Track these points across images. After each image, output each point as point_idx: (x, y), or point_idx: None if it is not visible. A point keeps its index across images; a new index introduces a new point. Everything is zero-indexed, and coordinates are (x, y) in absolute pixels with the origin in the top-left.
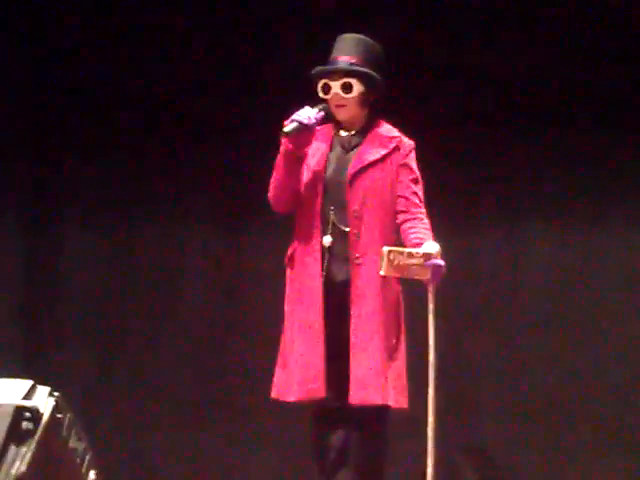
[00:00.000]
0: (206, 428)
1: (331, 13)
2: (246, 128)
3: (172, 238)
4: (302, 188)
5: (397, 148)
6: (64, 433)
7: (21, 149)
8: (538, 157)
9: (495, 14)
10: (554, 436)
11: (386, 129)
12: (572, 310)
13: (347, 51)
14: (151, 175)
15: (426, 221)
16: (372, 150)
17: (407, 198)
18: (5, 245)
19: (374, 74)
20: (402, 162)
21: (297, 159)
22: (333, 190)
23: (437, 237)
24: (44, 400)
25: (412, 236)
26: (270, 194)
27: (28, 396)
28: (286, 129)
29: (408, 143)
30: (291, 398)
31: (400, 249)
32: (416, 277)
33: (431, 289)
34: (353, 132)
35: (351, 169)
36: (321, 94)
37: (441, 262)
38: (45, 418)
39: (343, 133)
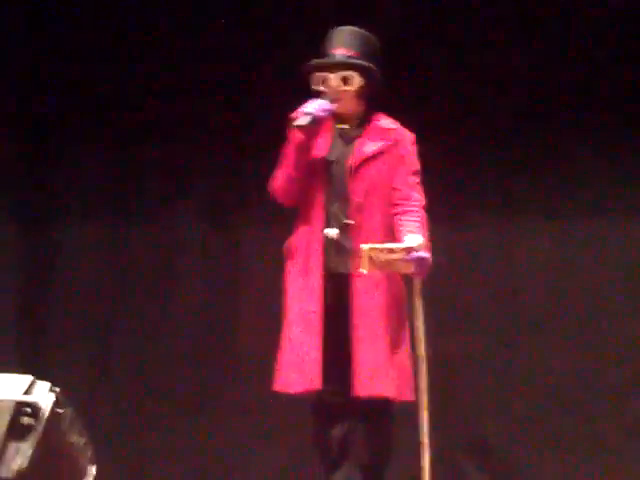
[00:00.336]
0: (206, 423)
1: (330, 13)
2: (244, 125)
3: (169, 234)
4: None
5: (397, 140)
6: (64, 428)
7: (19, 146)
8: (534, 153)
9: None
10: (554, 432)
11: (386, 122)
12: (569, 306)
13: (344, 44)
14: (148, 172)
15: (420, 213)
16: (372, 143)
17: (403, 190)
18: (4, 242)
19: (373, 67)
20: (401, 154)
21: (307, 150)
22: (335, 183)
23: (434, 230)
24: (44, 395)
25: (401, 229)
26: (277, 186)
27: (28, 391)
28: (303, 122)
29: (408, 135)
30: (291, 390)
31: (380, 245)
32: (401, 272)
33: (417, 282)
34: (352, 125)
35: (352, 162)
36: (317, 87)
37: (424, 254)
38: (45, 413)
39: (343, 126)
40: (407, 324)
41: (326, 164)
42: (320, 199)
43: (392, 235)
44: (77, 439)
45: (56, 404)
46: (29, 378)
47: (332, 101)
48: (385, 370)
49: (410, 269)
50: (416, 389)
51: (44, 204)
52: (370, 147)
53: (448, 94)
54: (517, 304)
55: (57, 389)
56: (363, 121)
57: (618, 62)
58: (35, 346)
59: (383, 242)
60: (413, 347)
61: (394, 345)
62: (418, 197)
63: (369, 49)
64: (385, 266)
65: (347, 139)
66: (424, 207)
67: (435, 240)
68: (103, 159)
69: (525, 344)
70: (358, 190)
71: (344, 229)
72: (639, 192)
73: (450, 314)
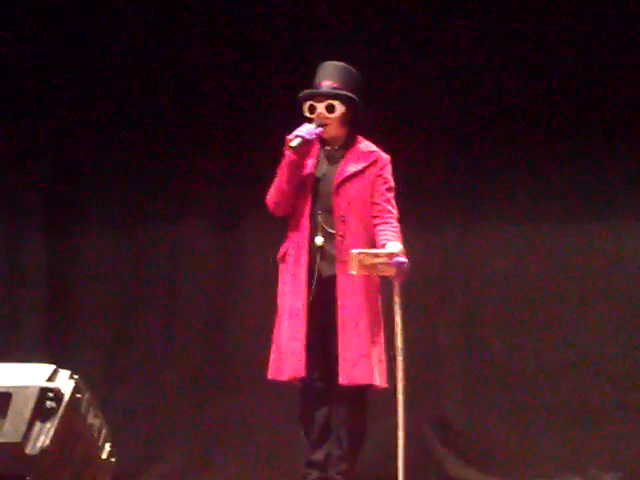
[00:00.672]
0: (211, 405)
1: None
2: (246, 133)
3: (178, 235)
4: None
5: (375, 161)
6: (83, 411)
7: (40, 153)
8: (500, 163)
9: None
10: (516, 409)
11: (365, 145)
12: (531, 300)
13: (330, 76)
14: (160, 176)
15: (396, 224)
16: (353, 163)
17: (381, 204)
18: (28, 243)
19: (354, 96)
20: (379, 173)
21: (298, 168)
22: (321, 197)
23: (408, 236)
24: (65, 382)
25: (381, 237)
26: (271, 200)
27: (51, 379)
28: (292, 144)
29: (384, 157)
30: (282, 378)
31: (367, 250)
32: (383, 274)
33: (397, 284)
34: (336, 147)
35: (336, 180)
36: (307, 114)
37: (404, 259)
38: (66, 398)
39: (328, 148)
40: (382, 320)
41: (314, 181)
42: (308, 211)
43: (371, 243)
44: (94, 420)
45: (75, 390)
46: (52, 367)
47: (319, 126)
48: (364, 360)
49: (392, 272)
50: (393, 376)
51: (63, 205)
52: (352, 167)
53: (418, 113)
54: (481, 299)
55: (76, 376)
56: (346, 144)
57: (591, 69)
58: (59, 339)
59: (366, 249)
60: (391, 340)
61: (372, 338)
62: (393, 210)
63: (351, 81)
64: (371, 269)
65: (332, 160)
66: (398, 219)
67: (409, 245)
68: (119, 164)
69: (488, 332)
70: (341, 204)
71: (329, 238)
72: (605, 198)
73: (421, 308)
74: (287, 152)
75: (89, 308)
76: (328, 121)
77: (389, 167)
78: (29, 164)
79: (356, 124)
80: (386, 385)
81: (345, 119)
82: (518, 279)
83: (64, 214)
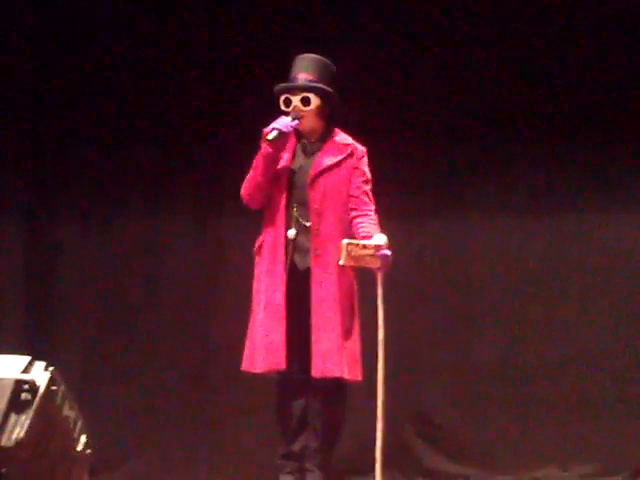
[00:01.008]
0: (192, 399)
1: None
2: (225, 126)
3: (158, 229)
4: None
5: (351, 154)
6: (58, 403)
7: (19, 149)
8: (483, 155)
9: None
10: (496, 402)
11: (341, 137)
12: (512, 293)
13: (305, 69)
14: (140, 173)
15: (374, 217)
16: (329, 156)
17: (358, 197)
18: (7, 239)
19: (329, 89)
20: (355, 166)
21: (273, 161)
22: (296, 190)
23: (392, 228)
24: (40, 374)
25: (361, 230)
26: (245, 192)
27: (26, 370)
28: (269, 137)
29: (360, 149)
30: (257, 370)
31: (356, 241)
32: (368, 266)
33: (380, 276)
34: (313, 140)
35: (311, 172)
36: (283, 107)
37: (389, 252)
38: (41, 390)
39: (304, 141)
40: (357, 313)
41: (289, 174)
42: (283, 204)
43: (346, 236)
44: (69, 412)
45: (51, 381)
46: (27, 359)
47: (295, 119)
48: (338, 354)
49: (377, 264)
50: (367, 368)
51: (42, 198)
52: (328, 160)
53: (398, 100)
54: (464, 293)
55: (52, 368)
56: (323, 137)
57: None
58: (39, 335)
59: (339, 243)
60: (374, 332)
61: (346, 332)
62: (370, 203)
63: (326, 73)
64: (358, 260)
65: (308, 153)
66: (375, 211)
67: (390, 238)
68: (96, 157)
69: (468, 326)
70: (316, 197)
71: (304, 231)
72: (583, 190)
73: (403, 301)
74: (263, 145)
75: (69, 304)
76: (303, 114)
77: (365, 159)
78: (8, 161)
79: (332, 117)
80: (359, 378)
81: (321, 112)
82: (503, 272)
83: (44, 210)
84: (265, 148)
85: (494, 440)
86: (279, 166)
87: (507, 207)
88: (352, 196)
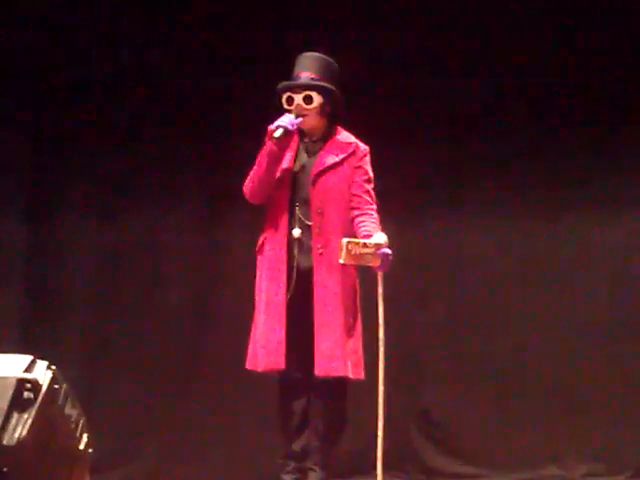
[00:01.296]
0: (192, 397)
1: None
2: (228, 123)
3: (159, 225)
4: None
5: (353, 153)
6: (60, 401)
7: (19, 141)
8: (477, 157)
9: None
10: (496, 400)
11: (344, 136)
12: (506, 289)
13: (308, 68)
14: (141, 166)
15: (375, 216)
16: (332, 155)
17: (360, 196)
18: (6, 233)
19: (331, 87)
20: (357, 165)
21: (277, 158)
22: (299, 189)
23: (392, 226)
24: (43, 373)
25: (362, 229)
26: (248, 189)
27: (29, 370)
28: (275, 134)
29: (363, 148)
30: (259, 369)
31: (356, 240)
32: (369, 264)
33: (380, 275)
34: (315, 139)
35: (314, 171)
36: (285, 106)
37: (389, 251)
38: (44, 389)
39: (307, 140)
40: (359, 312)
41: (292, 173)
42: (285, 203)
43: (349, 235)
44: (71, 411)
45: (53, 380)
46: (29, 358)
47: (298, 117)
48: (340, 353)
49: (377, 262)
50: (368, 366)
51: (43, 191)
52: (330, 159)
53: (401, 104)
54: (464, 291)
55: (54, 367)
56: (325, 135)
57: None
58: (38, 331)
59: (355, 239)
60: (375, 331)
61: (348, 330)
62: (372, 202)
63: (329, 72)
64: (358, 258)
65: (311, 151)
66: (377, 210)
67: (390, 237)
68: (99, 154)
69: (468, 325)
70: (318, 196)
71: (306, 230)
72: (583, 188)
73: (403, 300)
74: (268, 142)
75: (69, 300)
76: (306, 112)
77: (368, 158)
78: (7, 151)
79: (335, 115)
80: (362, 377)
81: (323, 110)
82: (501, 271)
83: (44, 204)
84: (270, 146)
85: (494, 438)
86: (283, 165)
87: (507, 206)
88: (354, 195)
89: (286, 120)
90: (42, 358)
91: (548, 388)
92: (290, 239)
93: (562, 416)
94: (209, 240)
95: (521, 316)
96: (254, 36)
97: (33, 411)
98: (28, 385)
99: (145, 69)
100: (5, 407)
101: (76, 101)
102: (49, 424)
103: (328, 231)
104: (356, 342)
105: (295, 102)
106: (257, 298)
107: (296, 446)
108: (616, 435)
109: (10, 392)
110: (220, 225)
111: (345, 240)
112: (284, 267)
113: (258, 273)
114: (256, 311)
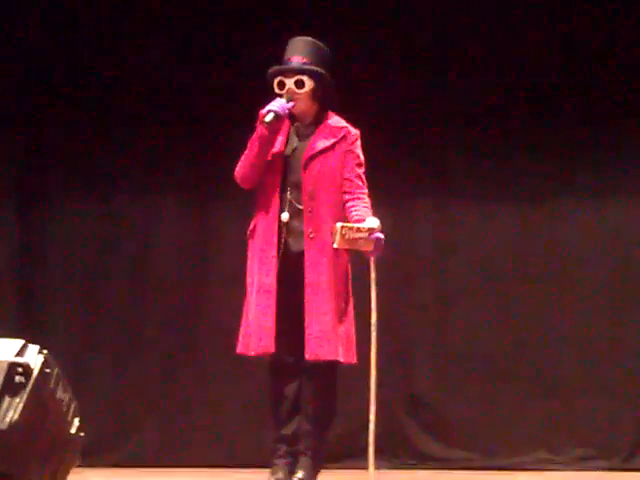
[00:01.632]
0: (184, 382)
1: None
2: (218, 107)
3: (150, 211)
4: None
5: (344, 137)
6: (52, 385)
7: (9, 128)
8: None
9: None
10: (487, 385)
11: (335, 120)
12: (497, 274)
13: (299, 52)
14: (131, 150)
15: (367, 200)
16: (323, 139)
17: (351, 180)
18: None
19: (322, 71)
20: (348, 149)
21: (269, 143)
22: (290, 173)
23: (382, 213)
24: (34, 357)
25: (354, 213)
26: (239, 174)
27: (20, 354)
28: (266, 119)
29: (354, 132)
30: (251, 352)
31: (350, 224)
32: (361, 249)
33: (373, 259)
34: (307, 123)
35: (305, 155)
36: (277, 90)
37: (382, 236)
38: (35, 373)
39: (298, 124)
40: (351, 296)
41: (283, 157)
42: (276, 187)
43: (340, 219)
44: (63, 395)
45: (44, 364)
46: (21, 342)
47: (289, 101)
48: (331, 337)
49: (370, 247)
50: (359, 351)
51: (33, 179)
52: (321, 143)
53: (394, 89)
54: (454, 276)
55: (45, 351)
56: (316, 120)
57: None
58: (30, 315)
59: (332, 226)
60: (366, 316)
61: (340, 315)
62: (363, 186)
63: (320, 56)
64: (352, 243)
65: (302, 136)
66: (368, 195)
67: (384, 220)
68: (89, 140)
69: (458, 311)
70: (310, 180)
71: (297, 214)
72: (575, 176)
73: (394, 285)
74: (259, 127)
75: (60, 285)
76: (297, 96)
77: (359, 142)
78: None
79: (326, 100)
80: (354, 361)
81: (314, 94)
82: (490, 255)
83: (34, 190)
84: (261, 130)
85: (485, 424)
86: (274, 149)
87: (499, 192)
88: (345, 179)
89: (277, 104)
90: (33, 342)
91: (539, 372)
92: (280, 223)
93: (553, 400)
94: (200, 225)
95: (512, 301)
96: (250, 27)
97: (24, 395)
98: (19, 369)
99: (136, 58)
100: None
101: (68, 86)
102: (40, 408)
103: (319, 215)
104: (348, 326)
105: (286, 86)
106: (248, 282)
107: (287, 430)
108: (607, 420)
109: (1, 376)
110: (211, 209)
111: (339, 224)
112: (275, 251)
113: (249, 257)
114: (247, 295)
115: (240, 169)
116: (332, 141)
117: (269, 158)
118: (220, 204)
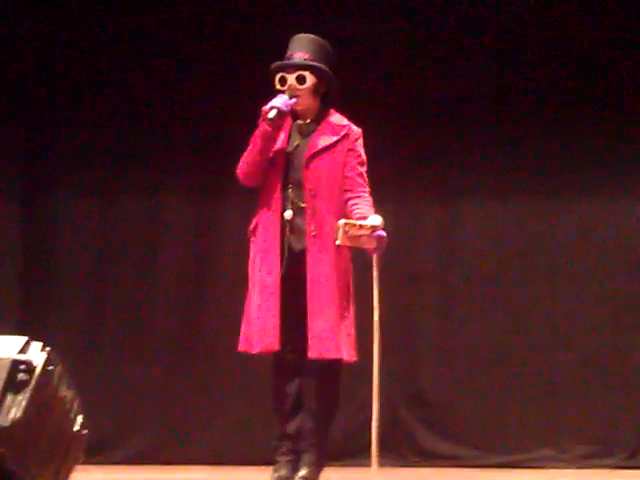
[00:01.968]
0: (188, 377)
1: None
2: (223, 104)
3: (155, 206)
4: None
5: (346, 135)
6: (55, 383)
7: (15, 120)
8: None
9: None
10: (490, 383)
11: (337, 118)
12: (500, 273)
13: (301, 48)
14: (138, 145)
15: (369, 199)
16: (325, 137)
17: (353, 179)
18: (2, 212)
19: (324, 67)
20: (350, 147)
21: (271, 140)
22: (292, 171)
23: (385, 211)
24: (37, 354)
25: (356, 211)
26: (241, 171)
27: (23, 351)
28: (269, 115)
29: (356, 130)
30: (253, 351)
31: (353, 222)
32: (364, 246)
33: (375, 257)
34: (308, 121)
35: (307, 153)
36: (278, 86)
37: (384, 233)
38: (38, 370)
39: (300, 122)
40: (352, 294)
41: (285, 155)
42: (279, 185)
43: (342, 217)
44: (66, 392)
45: (47, 362)
46: (24, 339)
47: (291, 97)
48: (334, 335)
49: (372, 245)
50: (362, 349)
51: (39, 175)
52: (323, 141)
53: (395, 87)
54: (457, 274)
55: (48, 348)
56: (318, 117)
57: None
58: (34, 310)
59: (334, 224)
60: (370, 313)
61: (342, 312)
62: (365, 184)
63: (322, 53)
64: (354, 240)
65: (304, 133)
66: (370, 193)
67: (386, 218)
68: (95, 134)
69: (462, 307)
70: (311, 178)
71: (299, 212)
72: (576, 172)
73: (397, 283)
74: (262, 123)
75: (64, 281)
76: (299, 92)
77: (361, 140)
78: (2, 136)
79: (328, 97)
80: (355, 359)
81: (316, 91)
82: (494, 254)
83: (40, 184)
84: (264, 127)
85: (489, 421)
86: (276, 147)
87: (501, 188)
88: (347, 177)
89: (280, 101)
90: (37, 339)
91: (542, 370)
92: (283, 221)
93: (556, 398)
94: (203, 222)
95: (516, 297)
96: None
97: (27, 392)
98: (23, 366)
99: (137, 56)
100: (0, 388)
101: (73, 79)
102: (44, 405)
103: (321, 213)
104: (349, 324)
105: (288, 82)
106: (250, 280)
107: (290, 427)
108: (611, 417)
109: (4, 373)
110: (214, 206)
111: (342, 221)
112: (277, 249)
113: (251, 255)
114: (249, 293)
115: (243, 166)
116: (334, 139)
117: (271, 155)
118: (224, 200)
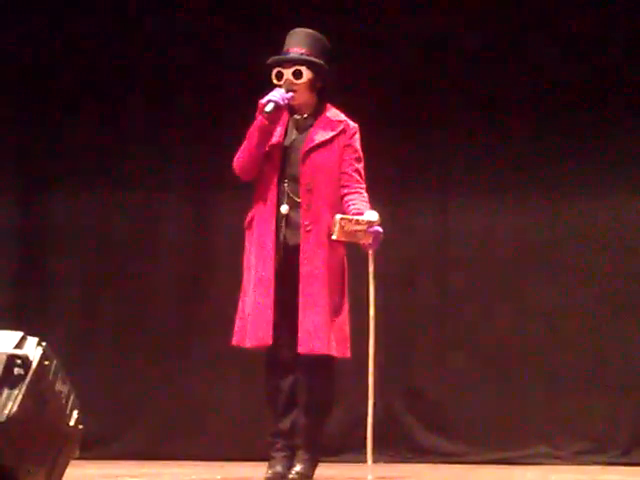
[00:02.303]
0: (183, 374)
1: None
2: (218, 99)
3: (151, 202)
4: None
5: (343, 130)
6: (51, 378)
7: (10, 119)
8: (468, 139)
9: None
10: (487, 379)
11: (334, 113)
12: (497, 271)
13: (298, 43)
14: (133, 143)
15: (365, 195)
16: (321, 132)
17: (349, 174)
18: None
19: (321, 62)
20: (347, 143)
21: (268, 133)
22: (288, 166)
23: (381, 207)
24: (33, 349)
25: (353, 207)
26: (238, 164)
27: (19, 346)
28: (266, 109)
29: (353, 126)
30: (247, 345)
31: (349, 217)
32: (360, 242)
33: (371, 253)
34: (305, 115)
35: (303, 148)
36: (275, 81)
37: (380, 229)
38: (34, 365)
39: (297, 116)
40: (346, 290)
41: (281, 149)
42: (275, 179)
43: (337, 212)
44: (62, 387)
45: (43, 356)
46: (20, 334)
47: (288, 92)
48: (324, 331)
49: (368, 240)
50: (357, 345)
51: (33, 171)
52: (320, 136)
53: (389, 85)
54: (452, 270)
55: (44, 343)
56: (315, 112)
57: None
58: (29, 307)
59: (330, 219)
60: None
61: (334, 308)
62: (361, 180)
63: (319, 47)
64: (350, 235)
65: (300, 128)
66: (366, 189)
67: (381, 214)
68: (91, 135)
69: (458, 304)
70: (308, 173)
71: (295, 206)
72: (569, 171)
73: (394, 279)
74: (259, 117)
75: (60, 277)
76: (295, 87)
77: (357, 136)
78: None
79: (324, 92)
80: (347, 355)
81: (313, 86)
82: (493, 251)
83: (36, 181)
84: (261, 120)
85: (485, 417)
86: (273, 141)
87: (495, 186)
88: (343, 173)
89: (277, 95)
90: (32, 334)
91: (538, 367)
92: (278, 215)
93: (552, 395)
94: (199, 216)
95: (511, 296)
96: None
97: (23, 387)
98: (18, 361)
99: (141, 46)
100: None
101: (70, 76)
102: (39, 400)
103: (317, 208)
104: (342, 320)
105: (284, 77)
106: (245, 274)
107: (284, 424)
108: (606, 414)
109: (0, 368)
110: (210, 201)
111: (339, 216)
112: (272, 243)
113: (247, 249)
114: (244, 287)
115: (239, 160)
116: (331, 134)
117: (267, 149)
118: (219, 194)
